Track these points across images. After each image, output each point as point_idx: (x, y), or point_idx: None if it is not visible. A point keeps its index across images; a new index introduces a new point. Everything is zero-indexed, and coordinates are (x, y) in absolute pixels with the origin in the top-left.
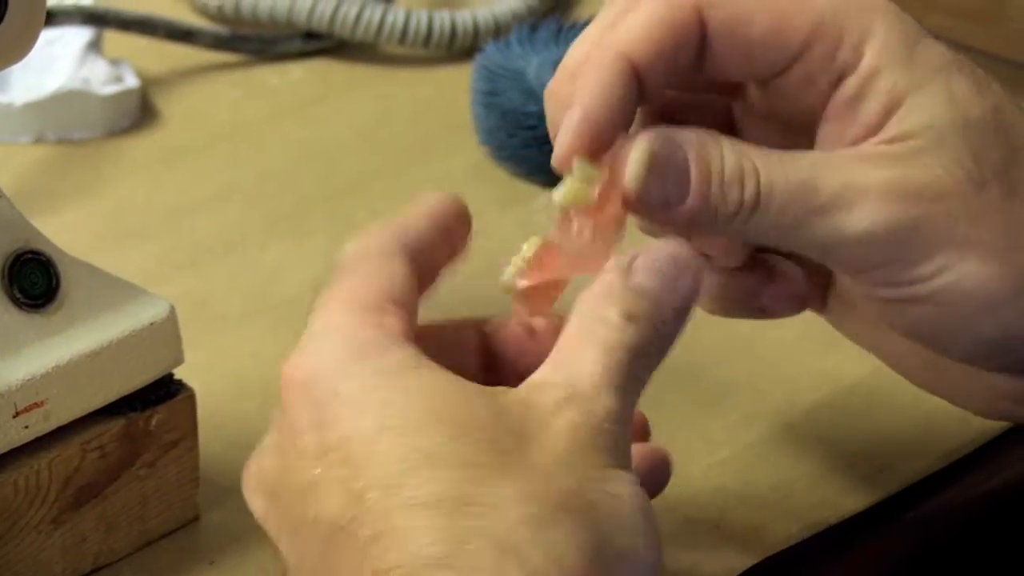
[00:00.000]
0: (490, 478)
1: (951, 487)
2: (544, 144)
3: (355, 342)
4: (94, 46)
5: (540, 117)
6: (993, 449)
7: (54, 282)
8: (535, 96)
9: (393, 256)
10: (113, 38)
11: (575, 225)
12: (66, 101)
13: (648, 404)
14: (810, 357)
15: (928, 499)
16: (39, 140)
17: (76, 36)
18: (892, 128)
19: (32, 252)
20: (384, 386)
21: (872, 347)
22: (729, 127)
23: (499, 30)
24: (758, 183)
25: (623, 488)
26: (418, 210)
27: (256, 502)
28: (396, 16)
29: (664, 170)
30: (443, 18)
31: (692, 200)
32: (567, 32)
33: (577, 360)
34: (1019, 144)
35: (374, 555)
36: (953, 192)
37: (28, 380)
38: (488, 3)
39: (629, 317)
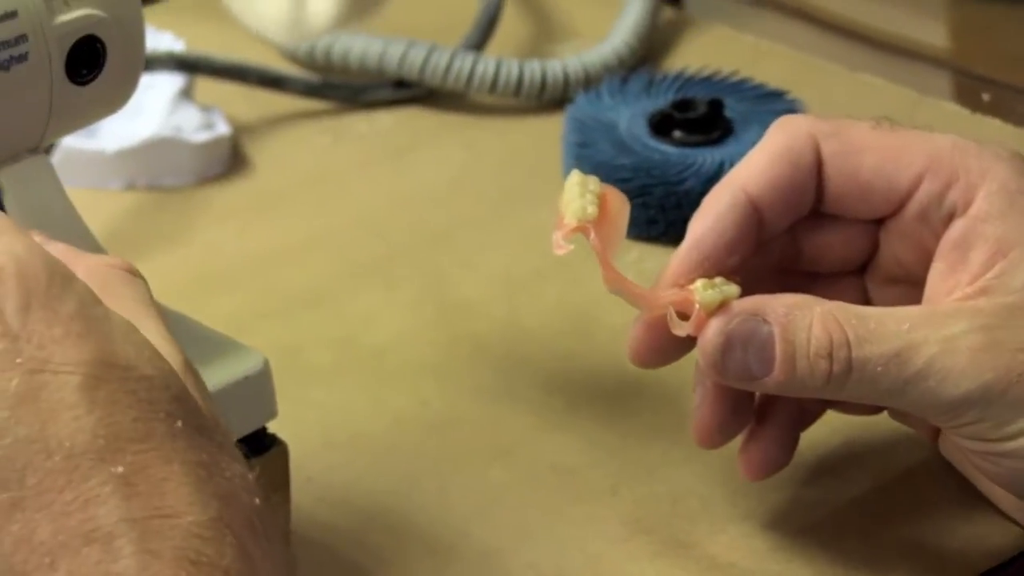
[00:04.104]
0: None
1: None
2: (635, 197)
3: None
4: (186, 93)
5: (631, 169)
6: None
7: None
8: (626, 148)
9: None
10: (205, 85)
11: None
12: (158, 148)
13: None
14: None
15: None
16: (130, 187)
17: (168, 83)
18: (993, 278)
19: None
20: None
21: (974, 479)
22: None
23: (589, 80)
24: (849, 358)
25: None
26: None
27: None
28: (487, 65)
29: (746, 347)
30: (533, 68)
31: (777, 375)
32: (658, 84)
33: None
34: None
35: None
36: None
37: None
38: (577, 53)
39: None
